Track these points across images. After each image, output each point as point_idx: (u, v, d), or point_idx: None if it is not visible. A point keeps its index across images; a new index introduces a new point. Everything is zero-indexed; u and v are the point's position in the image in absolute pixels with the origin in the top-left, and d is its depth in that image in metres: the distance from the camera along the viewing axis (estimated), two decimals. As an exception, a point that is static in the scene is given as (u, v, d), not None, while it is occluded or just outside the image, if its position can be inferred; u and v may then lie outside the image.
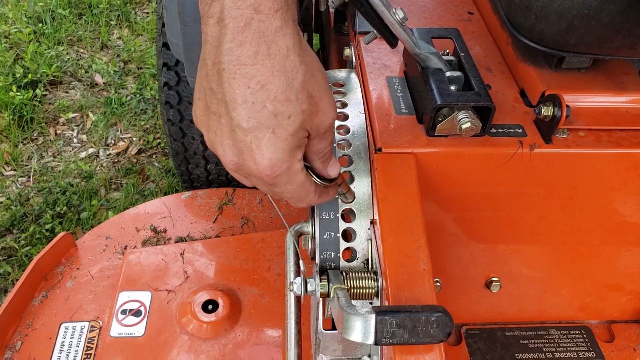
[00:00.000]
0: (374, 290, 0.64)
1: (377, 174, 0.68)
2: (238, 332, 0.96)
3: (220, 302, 0.98)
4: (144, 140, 2.06)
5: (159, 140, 2.05)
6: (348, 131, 0.73)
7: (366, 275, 0.65)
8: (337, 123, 0.74)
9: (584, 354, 0.86)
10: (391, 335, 0.52)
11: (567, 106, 0.70)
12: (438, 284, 0.83)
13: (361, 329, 0.53)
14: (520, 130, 0.74)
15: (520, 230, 0.81)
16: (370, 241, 0.68)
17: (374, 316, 0.52)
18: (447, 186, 0.75)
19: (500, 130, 0.73)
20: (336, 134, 0.73)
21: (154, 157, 2.00)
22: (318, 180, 0.58)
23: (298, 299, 0.75)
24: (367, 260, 0.68)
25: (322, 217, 0.68)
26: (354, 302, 0.64)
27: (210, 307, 0.98)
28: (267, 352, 0.94)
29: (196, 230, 1.28)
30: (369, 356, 0.69)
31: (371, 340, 0.53)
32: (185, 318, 0.97)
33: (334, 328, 0.69)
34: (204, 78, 0.49)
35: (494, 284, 0.85)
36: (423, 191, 0.69)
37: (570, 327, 0.90)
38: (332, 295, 0.61)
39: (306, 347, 0.74)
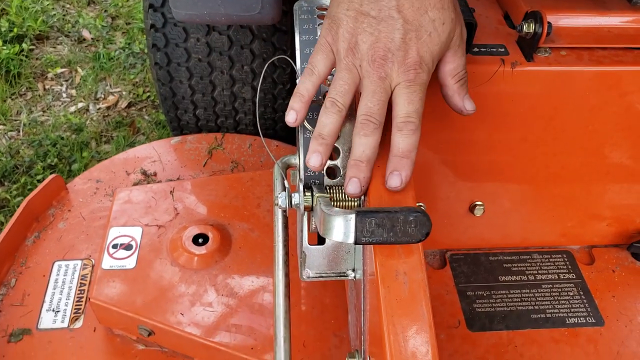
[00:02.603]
0: (355, 203, 0.65)
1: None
2: (228, 263, 0.98)
3: (211, 235, 1.00)
4: (134, 94, 2.05)
5: (148, 94, 2.04)
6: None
7: (349, 189, 0.66)
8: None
9: (564, 276, 0.89)
10: (370, 234, 0.54)
11: (549, 23, 0.71)
12: (422, 208, 0.84)
13: (341, 228, 0.54)
14: (502, 49, 0.74)
15: (502, 153, 0.82)
16: (353, 158, 0.69)
17: (353, 215, 0.54)
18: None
19: (482, 50, 0.74)
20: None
21: (144, 110, 2.00)
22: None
23: (286, 222, 0.76)
24: (351, 177, 0.69)
25: (305, 136, 0.69)
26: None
27: (200, 240, 1.00)
28: (256, 281, 0.96)
29: (186, 173, 1.29)
30: (353, 270, 0.71)
31: (351, 239, 0.54)
32: (176, 251, 0.98)
33: (319, 243, 0.71)
34: None
35: (477, 207, 0.86)
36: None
37: (552, 251, 0.92)
38: (314, 203, 0.63)
39: (294, 277, 0.75)
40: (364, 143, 0.59)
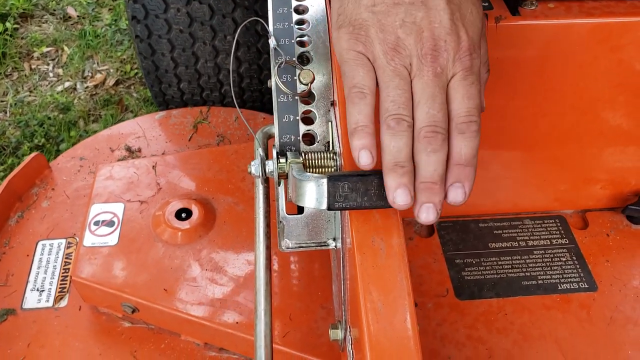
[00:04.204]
0: (332, 169, 0.62)
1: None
2: (212, 237, 0.96)
3: (194, 209, 0.97)
4: (121, 71, 2.01)
5: (136, 70, 2.00)
6: (306, 10, 0.70)
7: (325, 155, 0.63)
8: (295, 3, 0.70)
9: (557, 241, 0.86)
10: (344, 199, 0.51)
11: (535, -27, 0.67)
12: (408, 175, 0.81)
13: (314, 193, 0.51)
14: (486, 4, 0.70)
15: (488, 114, 0.78)
16: (330, 123, 0.66)
17: (325, 180, 0.51)
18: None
19: (465, 4, 0.70)
20: (294, 14, 0.69)
21: (132, 87, 1.96)
22: None
23: (267, 193, 0.74)
24: (328, 142, 0.66)
25: (279, 100, 0.66)
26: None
27: (183, 215, 0.97)
28: (241, 255, 0.94)
29: (171, 148, 1.26)
30: (334, 239, 0.68)
31: (324, 205, 0.51)
32: (159, 227, 0.96)
33: (299, 212, 0.68)
34: None
35: (464, 172, 0.83)
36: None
37: (545, 216, 0.89)
38: (287, 169, 0.60)
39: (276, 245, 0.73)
40: (434, 161, 0.48)
